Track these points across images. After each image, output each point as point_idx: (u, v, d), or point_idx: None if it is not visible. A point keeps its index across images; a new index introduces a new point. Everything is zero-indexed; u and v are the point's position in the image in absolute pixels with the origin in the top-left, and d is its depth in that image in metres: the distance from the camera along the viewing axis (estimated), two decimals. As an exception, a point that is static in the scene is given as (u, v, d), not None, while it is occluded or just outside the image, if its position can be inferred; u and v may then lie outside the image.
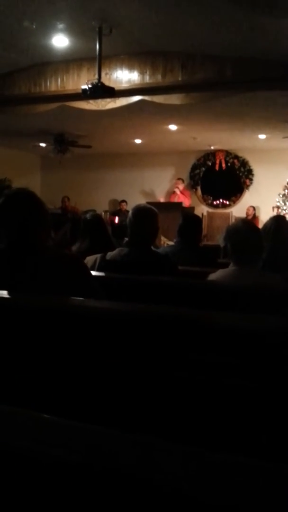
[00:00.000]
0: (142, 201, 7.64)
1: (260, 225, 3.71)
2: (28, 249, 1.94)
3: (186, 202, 11.34)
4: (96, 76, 5.64)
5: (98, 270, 2.68)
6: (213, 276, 2.60)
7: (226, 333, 1.52)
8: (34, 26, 5.26)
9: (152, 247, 2.88)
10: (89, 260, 2.84)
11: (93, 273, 2.44)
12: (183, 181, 12.01)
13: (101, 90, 5.56)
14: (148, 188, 12.44)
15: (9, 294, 1.77)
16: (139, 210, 2.75)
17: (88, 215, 3.70)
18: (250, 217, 11.14)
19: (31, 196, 2.03)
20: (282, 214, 9.28)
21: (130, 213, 2.77)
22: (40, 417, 0.89)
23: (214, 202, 12.44)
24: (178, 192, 11.52)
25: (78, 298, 1.79)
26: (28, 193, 2.04)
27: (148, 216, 2.72)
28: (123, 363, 1.56)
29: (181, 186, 11.76)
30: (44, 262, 1.94)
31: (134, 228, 2.70)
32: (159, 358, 1.53)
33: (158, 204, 8.37)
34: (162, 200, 11.88)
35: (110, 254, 2.75)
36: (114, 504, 0.69)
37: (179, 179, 12.01)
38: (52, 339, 1.65)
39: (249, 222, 3.01)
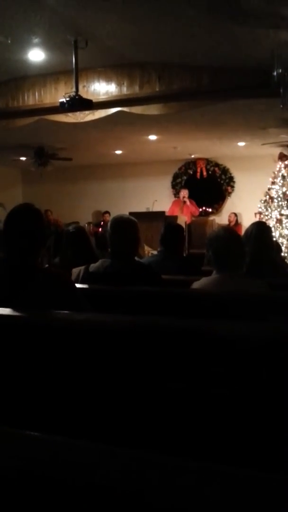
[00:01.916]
0: (125, 211, 7.62)
1: (243, 232, 3.72)
2: (25, 266, 1.96)
3: (196, 212, 11.17)
4: (74, 89, 5.65)
5: (81, 282, 2.67)
6: (196, 284, 2.60)
7: (212, 342, 1.51)
8: (9, 41, 5.26)
9: (136, 257, 2.87)
10: (74, 272, 2.82)
11: (77, 285, 2.43)
12: (186, 188, 11.69)
13: (79, 103, 5.57)
14: (131, 198, 12.44)
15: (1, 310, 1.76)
16: (117, 222, 2.74)
17: (70, 228, 3.69)
18: (232, 224, 11.20)
19: (38, 214, 2.07)
20: (264, 220, 9.34)
21: (108, 225, 2.76)
22: (26, 435, 0.87)
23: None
24: (187, 202, 11.08)
25: (63, 311, 1.78)
26: (35, 210, 2.08)
27: (126, 227, 2.71)
28: (109, 375, 1.55)
29: (185, 193, 11.35)
30: (36, 281, 1.95)
31: (114, 239, 2.70)
32: (146, 368, 1.52)
33: (140, 214, 8.37)
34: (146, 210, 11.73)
35: (93, 266, 2.74)
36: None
37: (184, 187, 11.82)
38: (38, 353, 1.63)
39: (229, 229, 3.03)
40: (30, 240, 1.98)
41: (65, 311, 1.79)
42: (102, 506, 0.69)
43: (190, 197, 11.42)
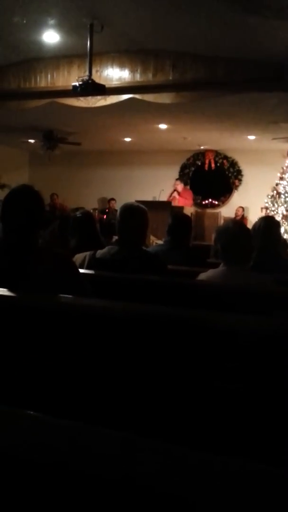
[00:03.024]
0: (131, 199, 7.59)
1: (249, 226, 3.71)
2: (24, 247, 1.95)
3: (188, 205, 10.91)
4: (87, 73, 5.61)
5: (87, 268, 2.66)
6: (203, 276, 2.59)
7: (216, 334, 1.51)
8: (24, 22, 5.22)
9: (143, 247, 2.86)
10: (78, 257, 2.81)
11: (83, 271, 2.43)
12: (181, 181, 11.69)
13: (92, 88, 5.53)
14: (138, 186, 12.40)
15: (1, 292, 1.75)
16: (128, 209, 2.73)
17: (78, 212, 3.67)
18: (239, 218, 11.17)
19: (36, 194, 2.04)
20: (270, 215, 9.31)
21: (118, 212, 2.75)
22: (31, 415, 0.87)
23: (203, 202, 12.45)
24: (176, 195, 10.95)
25: (69, 296, 1.78)
26: (34, 191, 2.05)
27: (136, 214, 2.70)
28: (113, 361, 1.55)
29: (180, 187, 11.30)
30: (37, 261, 1.94)
31: (123, 226, 2.68)
32: (150, 356, 1.52)
33: (147, 203, 8.31)
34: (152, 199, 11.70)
35: (100, 252, 2.73)
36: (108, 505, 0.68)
37: (177, 179, 11.82)
38: (44, 337, 1.63)
39: (239, 222, 3.02)
40: (28, 219, 1.96)
41: (68, 295, 1.78)
42: (103, 492, 0.69)
43: (196, 189, 11.39)
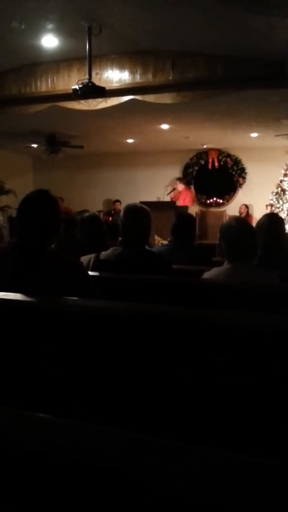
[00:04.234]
0: (136, 200, 7.59)
1: (254, 223, 3.70)
2: (37, 251, 1.96)
3: (188, 203, 11.08)
4: (87, 76, 5.62)
5: (92, 269, 2.67)
6: (207, 274, 2.59)
7: (225, 331, 1.51)
8: (23, 27, 5.23)
9: (146, 246, 2.87)
10: (83, 260, 2.82)
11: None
12: (182, 180, 11.78)
13: (92, 90, 5.54)
14: (142, 187, 12.41)
15: (12, 295, 1.76)
16: (131, 209, 2.74)
17: (85, 214, 3.70)
18: (243, 215, 11.15)
19: (50, 200, 2.06)
20: (275, 211, 9.29)
21: (121, 213, 2.77)
22: (37, 417, 0.88)
23: (208, 201, 12.44)
24: (171, 195, 11.23)
25: (75, 298, 1.78)
26: (48, 197, 2.07)
27: (139, 215, 2.71)
28: (118, 361, 1.55)
29: (180, 187, 11.48)
30: (48, 266, 1.95)
31: (126, 227, 2.69)
32: (156, 356, 1.52)
33: (151, 204, 8.33)
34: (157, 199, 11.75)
35: (104, 254, 2.73)
36: (111, 502, 0.68)
37: (178, 179, 11.86)
38: (50, 338, 1.64)
39: (242, 219, 3.01)
40: (44, 225, 1.98)
41: (76, 298, 1.78)
42: (108, 488, 0.69)
43: (200, 188, 11.42)
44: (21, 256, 1.96)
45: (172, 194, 11.29)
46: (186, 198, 11.23)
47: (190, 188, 12.31)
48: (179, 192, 11.36)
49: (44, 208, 2.02)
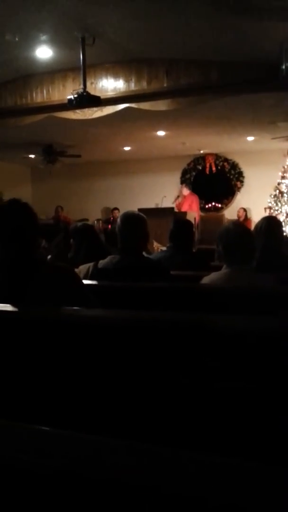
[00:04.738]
0: (134, 207, 7.59)
1: (253, 227, 3.71)
2: (25, 261, 1.94)
3: (194, 209, 10.74)
4: (81, 86, 5.65)
5: (90, 278, 2.67)
6: (206, 279, 2.59)
7: (223, 336, 1.51)
8: (16, 39, 5.27)
9: (144, 253, 2.87)
10: (82, 269, 2.82)
11: (86, 281, 2.43)
12: (188, 185, 11.55)
13: (87, 100, 5.57)
14: (140, 194, 12.44)
15: (5, 305, 1.76)
16: (127, 217, 2.75)
17: (77, 224, 3.69)
18: (241, 219, 11.16)
19: (25, 207, 2.04)
20: (274, 214, 9.30)
21: (118, 221, 2.77)
22: (35, 429, 0.88)
23: (206, 206, 12.45)
24: (177, 202, 10.85)
25: (72, 307, 1.78)
26: (22, 204, 2.04)
27: (135, 223, 2.72)
28: (118, 370, 1.55)
29: (185, 191, 11.15)
30: (40, 274, 1.93)
31: (123, 235, 2.70)
32: (156, 364, 1.52)
33: (149, 210, 8.34)
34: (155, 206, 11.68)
35: (102, 262, 2.74)
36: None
37: (182, 183, 11.79)
38: (48, 349, 1.63)
39: (239, 223, 3.02)
40: (20, 234, 1.95)
41: (73, 307, 1.78)
42: (111, 499, 0.69)
43: (198, 193, 11.35)
44: (8, 268, 1.94)
45: (177, 201, 10.98)
46: (192, 204, 11.01)
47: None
48: (184, 197, 11.20)
49: (16, 218, 1.98)
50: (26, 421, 0.90)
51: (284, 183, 9.91)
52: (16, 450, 0.79)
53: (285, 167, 9.65)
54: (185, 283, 2.66)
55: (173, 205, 10.59)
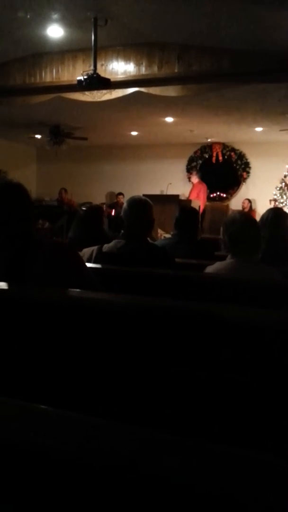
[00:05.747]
0: (139, 193, 7.53)
1: (257, 218, 3.69)
2: (23, 241, 1.92)
3: (201, 199, 10.70)
4: (92, 67, 5.60)
5: (94, 262, 2.66)
6: (210, 268, 2.58)
7: (225, 327, 1.50)
8: (28, 16, 5.20)
9: (148, 239, 2.86)
10: (86, 252, 2.81)
11: (90, 265, 2.42)
12: (198, 173, 11.50)
13: (97, 81, 5.52)
14: (145, 180, 12.39)
15: (5, 286, 1.74)
16: (134, 202, 2.73)
17: (86, 206, 3.67)
18: (246, 210, 11.12)
19: (16, 187, 2.02)
20: (279, 206, 9.27)
21: (125, 205, 2.75)
22: (36, 408, 0.87)
23: (211, 195, 12.40)
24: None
25: (76, 289, 1.76)
26: (11, 186, 2.03)
27: (143, 208, 2.70)
28: (120, 355, 1.55)
29: (194, 179, 11.16)
30: (40, 253, 1.91)
31: (130, 220, 2.68)
32: (157, 350, 1.51)
33: (154, 197, 8.31)
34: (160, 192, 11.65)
35: (106, 246, 2.72)
36: (114, 498, 0.67)
37: (192, 168, 11.69)
38: (50, 331, 1.62)
39: (246, 213, 3.00)
40: (12, 213, 1.93)
41: (76, 289, 1.77)
42: (110, 486, 0.68)
43: (204, 182, 11.30)
44: (9, 249, 1.93)
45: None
46: (200, 193, 10.92)
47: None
48: (193, 184, 11.15)
49: (7, 199, 1.97)
50: (25, 400, 0.89)
51: (291, 175, 9.87)
52: (13, 428, 0.78)
53: (292, 159, 9.60)
54: (188, 271, 2.64)
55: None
